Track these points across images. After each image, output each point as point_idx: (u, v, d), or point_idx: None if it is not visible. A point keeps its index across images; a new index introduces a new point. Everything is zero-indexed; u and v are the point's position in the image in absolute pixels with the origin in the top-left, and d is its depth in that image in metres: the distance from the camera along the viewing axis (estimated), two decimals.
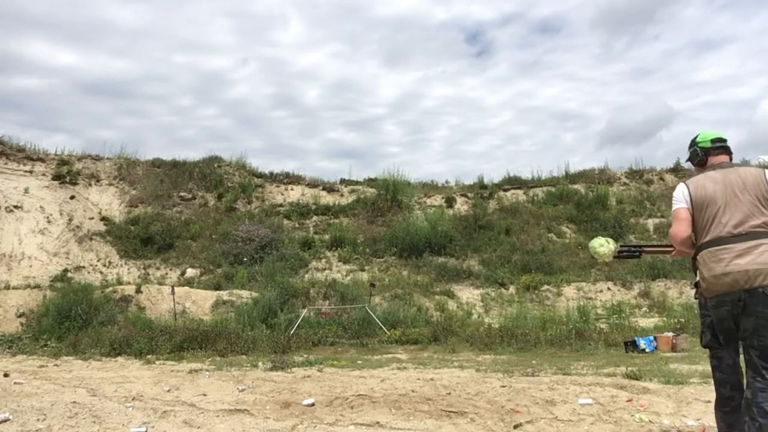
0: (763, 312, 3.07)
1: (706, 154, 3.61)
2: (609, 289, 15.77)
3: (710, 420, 4.49)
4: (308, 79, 57.38)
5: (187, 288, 14.90)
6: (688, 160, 3.77)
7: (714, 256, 3.24)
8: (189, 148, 67.67)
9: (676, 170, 22.76)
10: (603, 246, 4.13)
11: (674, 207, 3.51)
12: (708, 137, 3.64)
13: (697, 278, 3.38)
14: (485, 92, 60.99)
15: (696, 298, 3.58)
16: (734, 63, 56.02)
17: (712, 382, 3.56)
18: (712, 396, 5.16)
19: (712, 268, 3.24)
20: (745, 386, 3.25)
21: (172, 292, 13.59)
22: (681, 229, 3.43)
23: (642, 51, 60.66)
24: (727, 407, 3.38)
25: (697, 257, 3.38)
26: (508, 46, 65.88)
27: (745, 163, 20.59)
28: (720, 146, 3.59)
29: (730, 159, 3.59)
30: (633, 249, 4.21)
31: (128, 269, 16.96)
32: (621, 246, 4.21)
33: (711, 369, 3.54)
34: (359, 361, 9.07)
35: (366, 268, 17.35)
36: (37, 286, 14.54)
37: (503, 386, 6.17)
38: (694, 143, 3.70)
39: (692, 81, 57.18)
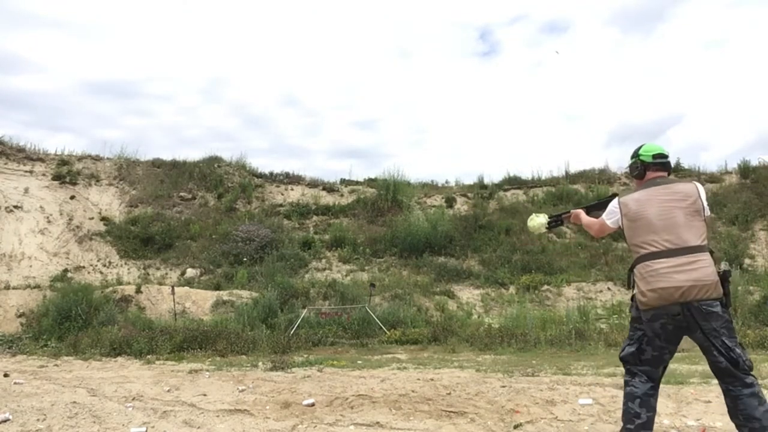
0: (705, 325, 3.16)
1: (645, 168, 3.63)
2: (609, 289, 15.76)
3: (710, 420, 4.49)
4: (314, 78, 57.30)
5: (187, 288, 14.89)
6: (628, 168, 3.81)
7: (651, 270, 3.28)
8: (194, 148, 67.35)
9: (676, 170, 22.78)
10: (533, 220, 4.42)
11: (607, 219, 3.73)
12: (650, 152, 3.64)
13: (634, 291, 3.40)
14: (490, 92, 60.95)
15: (629, 312, 3.58)
16: (743, 62, 55.90)
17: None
18: (713, 396, 5.19)
19: (649, 282, 3.26)
20: (723, 394, 3.30)
21: (172, 292, 13.59)
22: (599, 233, 3.89)
23: (651, 50, 60.47)
24: (632, 425, 3.36)
25: (634, 270, 3.42)
26: (516, 45, 65.82)
27: (745, 164, 20.72)
28: (660, 162, 3.62)
29: (669, 175, 3.62)
30: (557, 217, 4.43)
31: (128, 269, 16.96)
32: (550, 217, 4.42)
33: (624, 383, 3.53)
34: (359, 361, 9.06)
35: (366, 268, 17.35)
36: (37, 286, 14.54)
37: (503, 386, 6.18)
38: (636, 154, 3.69)
39: (700, 80, 57.10)
